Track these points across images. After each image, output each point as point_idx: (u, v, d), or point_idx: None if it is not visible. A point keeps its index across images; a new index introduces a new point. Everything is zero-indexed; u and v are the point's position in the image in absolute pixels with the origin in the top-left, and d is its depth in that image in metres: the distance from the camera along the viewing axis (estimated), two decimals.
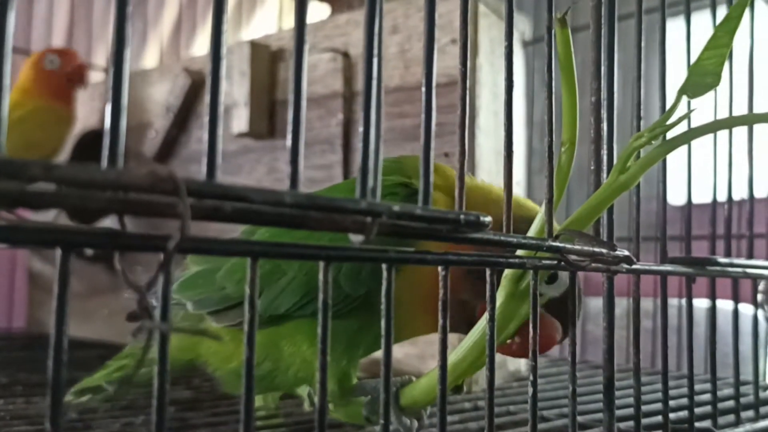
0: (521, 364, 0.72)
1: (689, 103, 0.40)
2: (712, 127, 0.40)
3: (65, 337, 0.20)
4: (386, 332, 0.27)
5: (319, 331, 0.25)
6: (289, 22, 1.56)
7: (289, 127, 0.24)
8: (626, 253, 0.34)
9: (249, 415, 0.23)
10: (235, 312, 0.43)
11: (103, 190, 0.20)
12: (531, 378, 0.33)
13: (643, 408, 0.47)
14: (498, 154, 0.66)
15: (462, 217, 0.28)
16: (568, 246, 0.33)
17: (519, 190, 0.72)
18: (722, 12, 0.52)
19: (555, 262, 0.33)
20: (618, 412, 0.43)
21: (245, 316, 0.23)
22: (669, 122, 0.37)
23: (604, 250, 0.33)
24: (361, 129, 0.25)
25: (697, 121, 0.41)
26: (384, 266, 0.27)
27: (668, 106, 0.43)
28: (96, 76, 1.30)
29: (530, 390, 0.33)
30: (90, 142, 1.02)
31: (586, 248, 0.33)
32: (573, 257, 0.33)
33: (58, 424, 0.20)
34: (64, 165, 0.19)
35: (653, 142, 0.38)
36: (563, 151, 0.37)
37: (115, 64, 0.20)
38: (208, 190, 0.21)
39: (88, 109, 1.05)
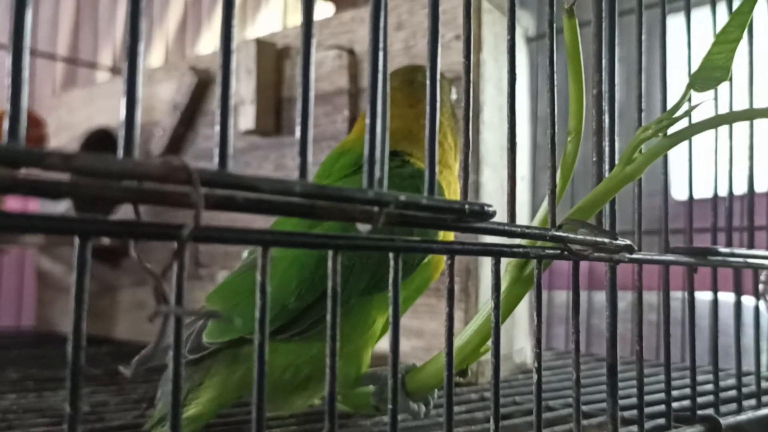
0: (527, 357, 0.72)
1: (690, 97, 0.41)
2: (716, 121, 0.41)
3: (83, 324, 0.21)
4: (394, 319, 0.27)
5: (329, 317, 0.26)
6: (294, 20, 1.57)
7: (298, 119, 0.24)
8: (627, 242, 0.35)
9: (261, 406, 0.24)
10: (294, 325, 0.43)
11: (119, 180, 0.21)
12: (535, 365, 0.33)
13: (647, 397, 0.47)
14: (503, 149, 0.67)
15: (467, 207, 0.28)
16: (571, 236, 0.33)
17: (524, 184, 0.73)
18: (722, 8, 0.53)
19: (558, 251, 0.34)
20: (622, 402, 0.44)
21: (257, 303, 0.24)
22: (675, 115, 0.38)
23: (606, 240, 0.34)
24: (367, 121, 0.26)
25: (699, 115, 0.41)
26: (391, 255, 0.28)
27: (669, 100, 0.43)
28: (102, 76, 1.31)
29: (534, 377, 0.33)
30: (97, 141, 1.03)
31: (588, 238, 0.34)
32: (576, 247, 0.34)
33: (77, 407, 0.21)
34: (81, 155, 0.20)
35: (659, 134, 0.38)
36: (569, 141, 0.38)
37: (129, 56, 0.21)
38: (220, 179, 0.22)
39: (94, 109, 1.05)
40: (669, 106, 0.39)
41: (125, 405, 0.54)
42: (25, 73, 0.20)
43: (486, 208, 0.29)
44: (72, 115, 1.10)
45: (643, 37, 0.41)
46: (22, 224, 0.21)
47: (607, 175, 0.37)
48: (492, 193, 0.65)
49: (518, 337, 0.71)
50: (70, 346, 0.21)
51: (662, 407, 0.46)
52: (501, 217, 0.30)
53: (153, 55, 1.41)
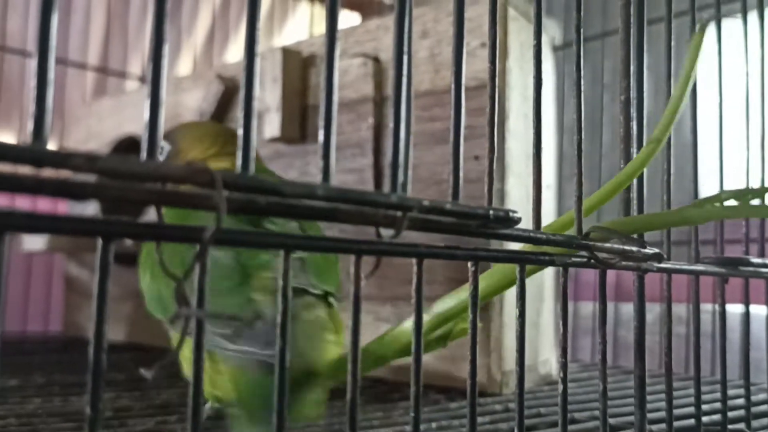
0: (552, 369, 0.72)
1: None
2: None
3: (105, 324, 0.21)
4: (418, 322, 0.27)
5: (351, 323, 0.25)
6: (320, 28, 1.58)
7: (321, 123, 0.24)
8: (656, 250, 0.34)
9: (281, 411, 0.24)
10: None
11: (142, 182, 0.21)
12: (561, 375, 0.33)
13: (676, 411, 0.46)
14: (529, 158, 0.66)
15: (491, 213, 0.28)
16: (598, 244, 0.33)
17: (550, 193, 0.72)
18: (753, 18, 0.52)
19: (585, 259, 0.33)
20: (650, 415, 0.43)
21: (278, 308, 0.24)
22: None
23: (634, 248, 0.33)
24: (391, 125, 0.26)
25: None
26: (414, 261, 0.27)
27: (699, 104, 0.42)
28: (131, 85, 1.33)
29: (560, 387, 0.33)
30: (126, 149, 1.04)
31: (616, 246, 0.33)
32: (603, 255, 0.33)
33: (98, 409, 0.21)
34: (105, 157, 0.20)
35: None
36: (645, 147, 0.36)
37: (154, 59, 0.21)
38: (242, 182, 0.22)
39: (123, 117, 1.07)
40: (697, 112, 0.38)
41: (148, 410, 0.54)
42: (51, 74, 0.20)
43: (511, 214, 0.28)
44: (101, 124, 1.11)
45: (672, 44, 0.41)
46: (46, 225, 0.21)
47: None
48: (517, 201, 0.65)
49: (543, 348, 0.70)
50: (92, 347, 0.21)
51: (692, 421, 0.45)
52: (526, 224, 0.30)
53: (181, 64, 1.42)
